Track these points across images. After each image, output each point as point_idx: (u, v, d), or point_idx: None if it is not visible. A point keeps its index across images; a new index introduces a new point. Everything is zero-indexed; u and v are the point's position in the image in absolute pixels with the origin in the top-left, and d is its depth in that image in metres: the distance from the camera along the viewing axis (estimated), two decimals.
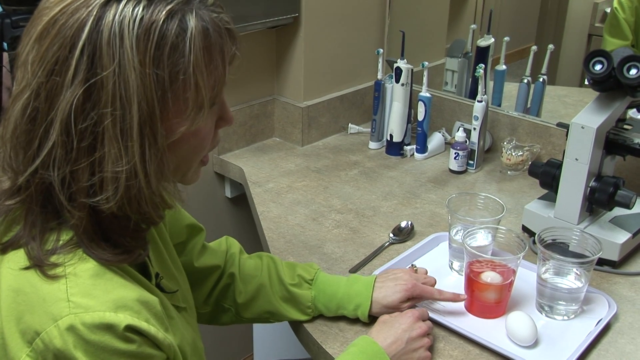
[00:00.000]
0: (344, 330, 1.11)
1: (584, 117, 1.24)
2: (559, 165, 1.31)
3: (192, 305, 1.03)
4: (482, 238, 1.21)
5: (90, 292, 0.74)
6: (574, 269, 1.14)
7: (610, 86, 1.23)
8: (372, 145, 1.84)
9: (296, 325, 1.16)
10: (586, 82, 1.28)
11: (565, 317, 1.15)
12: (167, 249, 0.99)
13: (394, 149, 1.79)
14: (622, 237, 1.29)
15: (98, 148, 0.73)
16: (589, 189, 1.27)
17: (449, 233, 1.27)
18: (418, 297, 1.11)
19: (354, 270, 1.28)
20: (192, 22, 0.74)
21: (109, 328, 0.72)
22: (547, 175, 1.32)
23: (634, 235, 1.30)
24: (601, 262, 1.28)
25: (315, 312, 1.12)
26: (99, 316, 0.72)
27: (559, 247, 1.17)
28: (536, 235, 1.15)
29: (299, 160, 1.75)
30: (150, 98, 0.72)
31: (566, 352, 1.06)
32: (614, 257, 1.27)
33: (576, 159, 1.25)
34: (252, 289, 1.13)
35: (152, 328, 0.76)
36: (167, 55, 0.73)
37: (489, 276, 1.12)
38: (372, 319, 1.10)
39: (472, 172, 1.71)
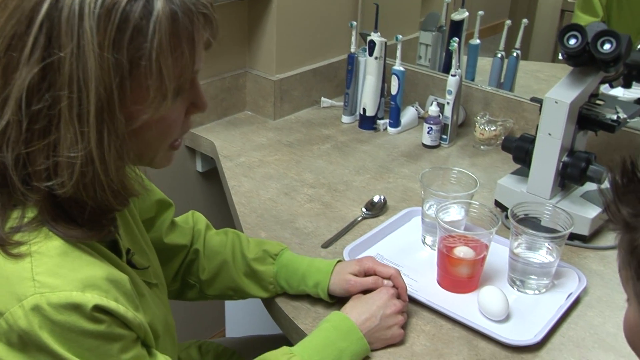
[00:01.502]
0: (316, 306, 1.10)
1: (557, 92, 1.24)
2: (532, 140, 1.31)
3: (163, 281, 1.01)
4: (455, 213, 1.20)
5: (56, 271, 0.72)
6: (546, 244, 1.14)
7: (583, 61, 1.22)
8: (345, 119, 1.82)
9: (268, 301, 1.15)
10: (560, 57, 1.27)
11: (537, 292, 1.15)
12: (137, 224, 0.97)
13: (367, 123, 1.78)
14: (593, 212, 1.29)
15: (53, 131, 0.70)
16: (561, 164, 1.27)
17: (422, 208, 1.27)
18: (369, 269, 1.09)
19: (326, 245, 1.27)
20: (159, 4, 0.69)
21: (76, 308, 0.71)
22: (520, 150, 1.32)
23: (604, 210, 1.31)
24: (572, 236, 1.28)
25: (277, 288, 1.11)
26: (66, 296, 0.70)
27: (531, 222, 1.17)
28: (509, 210, 1.15)
29: (271, 134, 1.73)
30: (109, 83, 0.69)
31: (537, 326, 1.07)
32: (585, 231, 1.28)
33: (549, 134, 1.25)
34: (215, 266, 1.12)
35: (121, 307, 0.74)
36: (129, 39, 0.69)
37: (462, 251, 1.12)
38: (337, 300, 1.09)
39: (445, 146, 1.70)
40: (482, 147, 1.69)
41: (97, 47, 0.68)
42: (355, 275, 1.07)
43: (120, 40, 0.69)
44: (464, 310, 1.10)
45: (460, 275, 1.14)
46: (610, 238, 1.33)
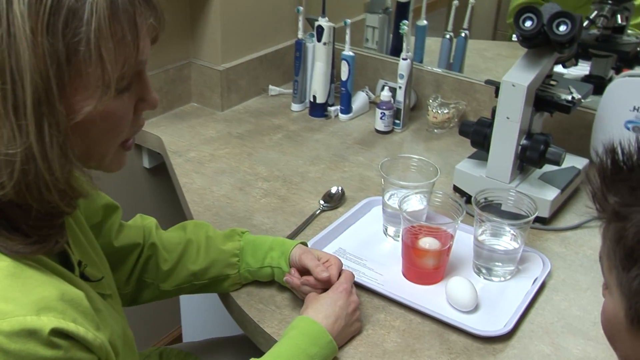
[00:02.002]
0: (281, 308, 1.07)
1: (514, 75, 1.23)
2: (489, 125, 1.30)
3: (115, 290, 0.96)
4: (416, 202, 1.18)
5: (6, 295, 0.66)
6: (510, 230, 1.13)
7: (538, 42, 1.21)
8: (295, 107, 1.78)
9: (230, 304, 1.11)
10: (514, 39, 1.26)
11: (502, 279, 1.15)
12: (84, 232, 0.91)
13: (318, 110, 1.74)
14: (552, 193, 1.29)
15: None
16: (520, 147, 1.27)
17: (383, 198, 1.24)
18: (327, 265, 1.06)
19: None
20: None
21: (31, 334, 0.65)
22: (478, 135, 1.30)
23: (562, 190, 1.32)
24: (520, 214, 1.27)
25: (242, 263, 1.08)
26: (19, 322, 0.65)
27: (494, 208, 1.16)
28: (472, 197, 1.14)
29: (220, 126, 1.68)
30: (45, 72, 0.64)
31: (506, 314, 1.06)
32: (545, 213, 1.28)
33: (507, 118, 1.24)
34: (178, 253, 1.09)
35: (80, 329, 0.69)
36: (64, 23, 0.64)
37: (427, 242, 1.10)
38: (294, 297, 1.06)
39: (398, 131, 1.68)
40: (435, 130, 1.68)
41: (30, 33, 0.63)
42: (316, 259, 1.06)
43: (54, 24, 0.64)
44: (433, 302, 1.08)
45: (426, 267, 1.12)
46: (568, 218, 1.33)
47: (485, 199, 1.16)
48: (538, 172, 1.35)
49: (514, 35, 1.25)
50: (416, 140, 1.65)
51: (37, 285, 0.69)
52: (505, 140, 1.26)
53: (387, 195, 1.24)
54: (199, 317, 1.71)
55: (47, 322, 0.67)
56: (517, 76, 1.22)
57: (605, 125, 1.48)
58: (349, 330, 0.99)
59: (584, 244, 1.26)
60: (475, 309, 1.07)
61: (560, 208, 1.35)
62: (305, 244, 1.10)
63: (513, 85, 1.21)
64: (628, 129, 1.45)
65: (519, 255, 1.14)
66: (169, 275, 1.09)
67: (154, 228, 1.11)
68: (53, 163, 0.67)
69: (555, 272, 1.17)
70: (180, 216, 1.40)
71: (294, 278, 1.03)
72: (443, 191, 1.18)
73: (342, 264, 1.06)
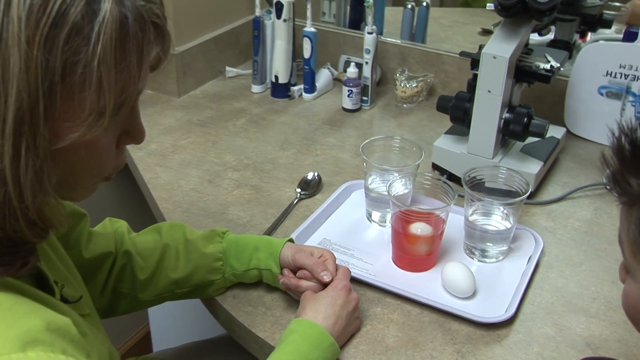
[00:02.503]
0: (272, 309, 1.01)
1: (494, 46, 1.18)
2: (469, 99, 1.26)
3: (93, 308, 0.89)
4: (400, 186, 1.14)
5: None
6: (502, 209, 1.10)
7: (516, 11, 1.17)
8: (255, 88, 1.71)
9: (215, 309, 1.05)
10: (490, 7, 1.21)
11: (495, 259, 1.11)
12: (53, 247, 0.84)
13: (280, 91, 1.67)
14: (536, 166, 1.27)
15: None
16: (502, 121, 1.23)
17: (365, 182, 1.19)
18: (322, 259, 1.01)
19: (266, 234, 1.17)
20: (106, 4, 0.58)
21: None
22: (458, 110, 1.26)
23: (545, 162, 1.29)
24: (511, 191, 1.24)
25: (226, 267, 1.02)
26: None
27: (480, 186, 1.12)
28: (462, 177, 1.09)
29: (179, 114, 1.59)
30: (34, 89, 0.57)
31: (505, 298, 1.03)
32: (530, 187, 1.25)
33: (489, 91, 1.20)
34: (155, 260, 1.01)
35: None
36: (65, 38, 0.57)
37: (419, 228, 1.06)
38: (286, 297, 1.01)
39: (366, 108, 1.63)
40: (404, 105, 1.63)
41: (25, 43, 0.55)
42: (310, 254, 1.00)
43: (55, 38, 0.56)
44: (429, 290, 1.04)
45: (418, 253, 1.08)
46: (552, 191, 1.31)
47: (474, 177, 1.12)
48: (519, 145, 1.32)
49: (490, 5, 1.21)
50: (386, 117, 1.60)
51: (20, 317, 0.62)
52: (487, 114, 1.22)
53: (369, 179, 1.19)
54: (169, 320, 1.64)
55: (35, 358, 0.60)
56: (498, 47, 1.18)
57: (578, 92, 1.46)
58: (348, 329, 0.94)
59: (571, 216, 1.24)
60: (474, 294, 1.03)
61: (543, 180, 1.32)
62: (292, 240, 1.05)
63: (494, 58, 1.17)
64: (602, 94, 1.44)
65: (512, 234, 1.11)
66: (147, 285, 1.01)
67: (126, 233, 1.04)
68: (25, 190, 0.60)
69: (547, 249, 1.15)
70: (148, 215, 1.33)
71: (291, 279, 0.98)
72: (429, 172, 1.13)
73: (335, 258, 1.00)
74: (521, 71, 1.23)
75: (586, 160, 1.41)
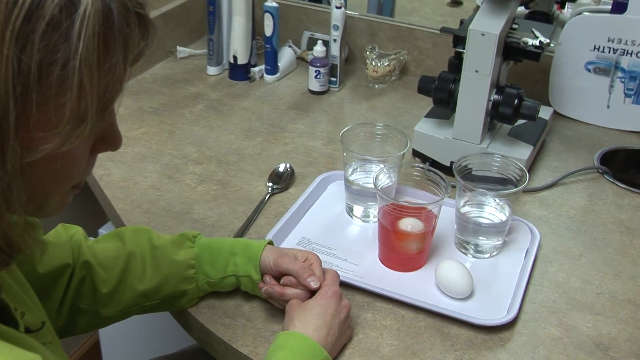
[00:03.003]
0: (253, 320, 0.97)
1: (481, 22, 1.16)
2: (453, 79, 1.23)
3: (55, 334, 0.83)
4: (384, 177, 1.11)
5: None
6: (497, 200, 1.08)
7: None
8: (211, 70, 1.65)
9: (189, 323, 1.00)
10: None
11: (489, 255, 1.10)
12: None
13: (239, 72, 1.62)
14: (526, 151, 1.26)
15: None
16: (490, 103, 1.21)
17: (345, 173, 1.16)
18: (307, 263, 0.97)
19: (238, 235, 1.13)
20: None
21: None
22: (442, 91, 1.24)
23: (535, 145, 1.28)
24: (503, 180, 1.22)
25: (200, 275, 0.98)
26: None
27: (475, 176, 1.10)
28: (454, 166, 1.07)
29: (128, 101, 1.52)
30: (4, 94, 0.51)
31: (505, 297, 1.01)
32: (527, 176, 1.24)
33: (476, 71, 1.18)
34: (118, 270, 0.96)
35: None
36: (41, 35, 0.51)
37: (409, 224, 1.03)
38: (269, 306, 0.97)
39: (335, 90, 1.60)
40: (376, 86, 1.60)
41: None
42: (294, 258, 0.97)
43: (29, 34, 0.51)
44: (423, 292, 1.02)
45: (409, 252, 1.05)
46: (541, 176, 1.30)
47: (466, 166, 1.10)
48: (505, 128, 1.31)
49: None
50: (357, 99, 1.57)
51: None
52: (475, 96, 1.20)
53: (349, 170, 1.15)
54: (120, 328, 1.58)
55: None
56: (486, 24, 1.15)
57: (564, 68, 1.45)
58: (341, 340, 0.91)
59: (564, 204, 1.24)
60: (471, 294, 1.02)
61: (531, 165, 1.31)
62: (271, 243, 1.01)
63: (482, 35, 1.15)
64: (589, 70, 1.44)
65: (508, 227, 1.09)
66: (110, 299, 0.96)
67: (84, 240, 0.98)
68: None
69: (543, 240, 1.14)
70: (102, 218, 1.27)
71: (274, 287, 0.94)
72: (414, 161, 1.10)
73: (321, 261, 0.97)
74: (509, 48, 1.21)
75: (575, 142, 1.41)
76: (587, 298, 1.03)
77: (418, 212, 1.03)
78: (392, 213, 1.03)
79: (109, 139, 0.64)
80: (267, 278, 0.95)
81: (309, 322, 0.88)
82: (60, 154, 0.58)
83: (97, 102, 0.56)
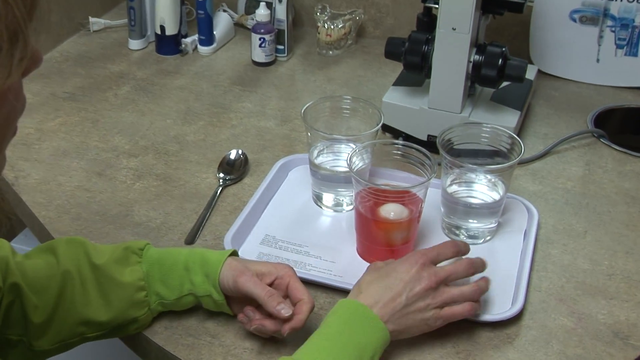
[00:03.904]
0: (219, 336, 0.96)
1: None
2: (426, 40, 1.24)
3: None
4: (356, 158, 1.10)
5: None
6: (489, 177, 1.09)
7: None
8: (134, 44, 1.63)
9: (143, 347, 0.99)
10: None
11: (483, 240, 1.11)
12: None
13: (168, 45, 1.61)
14: (513, 117, 1.28)
15: None
16: (470, 64, 1.22)
17: (309, 156, 1.15)
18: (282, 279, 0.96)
19: (190, 239, 1.12)
20: None
21: None
22: (414, 55, 1.24)
23: (521, 110, 1.30)
24: (494, 153, 1.24)
25: (152, 297, 0.96)
26: None
27: (460, 150, 1.11)
28: (438, 139, 1.07)
29: (37, 86, 1.48)
30: None
31: (508, 286, 1.03)
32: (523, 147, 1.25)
33: (453, 29, 1.19)
34: (53, 294, 0.93)
35: None
36: None
37: (391, 211, 1.03)
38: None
39: (283, 60, 1.59)
40: (330, 52, 1.60)
41: None
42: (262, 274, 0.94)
43: None
44: None
45: (392, 242, 1.06)
46: (531, 145, 1.33)
47: (449, 139, 1.10)
48: (487, 93, 1.32)
49: None
50: (310, 69, 1.57)
51: None
52: (453, 58, 1.21)
53: (314, 153, 1.15)
54: None
55: None
56: None
57: (546, 19, 1.48)
58: (414, 318, 0.92)
59: (560, 175, 1.26)
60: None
61: (518, 134, 1.33)
62: (235, 253, 0.99)
63: None
64: (574, 20, 1.46)
65: (502, 207, 1.11)
66: (45, 329, 0.93)
67: (11, 256, 0.94)
68: None
69: (541, 219, 1.16)
70: (18, 229, 1.23)
71: (264, 323, 0.92)
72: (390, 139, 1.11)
73: (296, 273, 0.95)
74: (489, 0, 1.22)
75: (564, 104, 1.43)
76: (598, 281, 1.06)
77: (401, 196, 1.03)
78: (372, 199, 1.03)
79: (34, 56, 0.64)
80: (250, 312, 0.93)
81: (373, 283, 0.92)
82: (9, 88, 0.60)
83: (25, 14, 0.58)
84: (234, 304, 0.96)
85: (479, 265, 0.97)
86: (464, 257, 0.97)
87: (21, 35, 0.58)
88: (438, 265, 0.95)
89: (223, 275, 0.93)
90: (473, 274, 0.96)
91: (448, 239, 1.11)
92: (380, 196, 1.03)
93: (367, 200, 1.04)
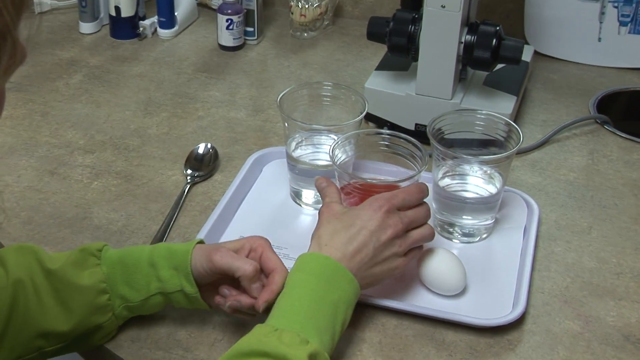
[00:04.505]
0: (193, 349, 0.97)
1: None
2: (413, 19, 1.25)
3: None
4: (339, 150, 1.12)
5: None
6: (484, 169, 1.11)
7: None
8: (86, 27, 1.64)
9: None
10: None
11: (478, 238, 1.13)
12: None
13: (125, 28, 1.62)
14: (508, 103, 1.30)
15: None
16: (461, 46, 1.24)
17: (287, 149, 1.17)
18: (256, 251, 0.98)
19: (156, 242, 1.13)
20: None
21: None
22: (400, 35, 1.26)
23: (518, 95, 1.32)
24: (489, 142, 1.25)
25: (115, 300, 0.96)
26: None
27: (452, 140, 1.13)
28: (428, 128, 1.09)
29: None
30: None
31: (508, 288, 1.05)
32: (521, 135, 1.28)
33: (442, 6, 1.21)
34: (6, 307, 0.93)
35: None
36: None
37: None
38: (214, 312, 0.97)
39: (253, 43, 1.61)
40: (305, 34, 1.62)
41: None
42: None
43: None
44: (405, 292, 1.04)
45: None
46: (528, 133, 1.35)
47: (439, 129, 1.12)
48: (479, 77, 1.34)
49: None
50: (283, 53, 1.58)
51: None
52: (442, 38, 1.23)
53: (292, 145, 1.16)
54: None
55: None
56: None
57: None
58: (382, 268, 0.97)
59: (560, 166, 1.28)
60: (465, 288, 1.05)
61: (514, 121, 1.35)
62: (202, 242, 1.00)
63: None
64: None
65: (500, 202, 1.13)
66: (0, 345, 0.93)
67: None
68: None
69: (542, 214, 1.18)
70: None
71: (240, 298, 0.94)
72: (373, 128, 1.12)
73: (269, 244, 0.98)
74: None
75: (564, 88, 1.46)
76: (605, 280, 1.08)
77: (390, 190, 1.04)
78: (357, 194, 1.04)
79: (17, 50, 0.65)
80: (225, 290, 0.95)
81: (337, 234, 0.95)
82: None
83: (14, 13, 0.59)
84: (207, 297, 0.97)
85: (427, 189, 1.03)
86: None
87: (9, 37, 0.59)
88: None
89: (195, 262, 0.95)
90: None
91: (442, 237, 1.13)
92: (368, 191, 1.04)
93: (352, 196, 1.05)
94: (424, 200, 1.02)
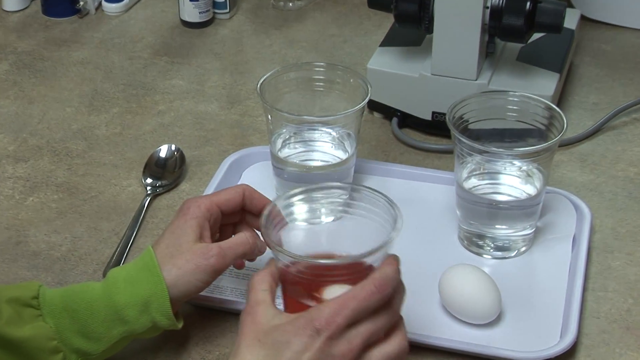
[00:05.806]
0: None
1: None
2: None
3: None
4: (329, 147, 1.15)
5: None
6: (520, 164, 1.13)
7: None
8: (10, 3, 1.68)
9: None
10: None
11: (516, 252, 1.15)
12: None
13: (61, 3, 1.66)
14: (550, 82, 1.32)
15: None
16: (487, 12, 1.27)
17: (271, 148, 1.19)
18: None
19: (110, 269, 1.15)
20: None
21: None
22: (410, 2, 1.28)
23: (561, 72, 1.34)
24: (525, 132, 1.25)
25: (70, 356, 0.98)
26: None
27: (478, 131, 1.14)
28: (448, 115, 1.10)
29: None
30: None
31: (554, 313, 1.07)
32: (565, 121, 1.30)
33: None
34: None
35: None
36: None
37: (336, 291, 0.89)
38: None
39: (225, 18, 1.64)
40: (290, 4, 1.65)
41: None
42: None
43: None
44: (423, 320, 1.06)
45: None
46: (576, 120, 1.37)
47: (461, 117, 1.14)
48: (512, 51, 1.37)
49: None
50: (263, 28, 1.61)
51: None
52: (463, 3, 1.25)
53: (277, 143, 1.19)
54: None
55: None
56: None
57: None
58: None
59: (619, 160, 1.31)
60: (499, 315, 1.07)
61: (557, 104, 1.38)
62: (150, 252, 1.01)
63: None
64: None
65: (541, 205, 1.15)
66: None
67: None
68: None
69: (596, 220, 1.20)
70: None
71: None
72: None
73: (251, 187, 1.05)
74: None
75: (619, 61, 1.49)
76: None
77: (349, 272, 0.91)
78: (302, 280, 0.93)
79: None
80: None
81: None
82: None
83: None
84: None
85: (394, 277, 0.88)
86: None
87: None
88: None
89: (178, 291, 0.98)
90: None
91: (469, 252, 1.16)
92: (318, 275, 0.93)
93: (295, 283, 0.94)
94: (393, 290, 0.87)
